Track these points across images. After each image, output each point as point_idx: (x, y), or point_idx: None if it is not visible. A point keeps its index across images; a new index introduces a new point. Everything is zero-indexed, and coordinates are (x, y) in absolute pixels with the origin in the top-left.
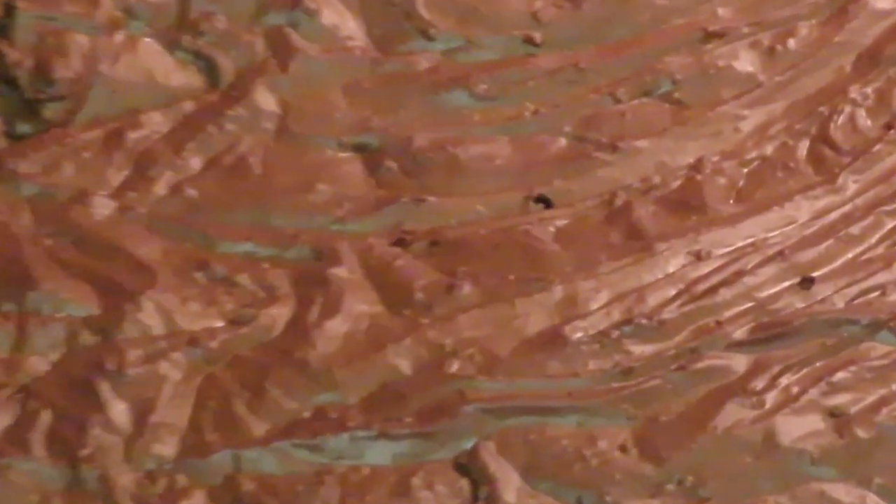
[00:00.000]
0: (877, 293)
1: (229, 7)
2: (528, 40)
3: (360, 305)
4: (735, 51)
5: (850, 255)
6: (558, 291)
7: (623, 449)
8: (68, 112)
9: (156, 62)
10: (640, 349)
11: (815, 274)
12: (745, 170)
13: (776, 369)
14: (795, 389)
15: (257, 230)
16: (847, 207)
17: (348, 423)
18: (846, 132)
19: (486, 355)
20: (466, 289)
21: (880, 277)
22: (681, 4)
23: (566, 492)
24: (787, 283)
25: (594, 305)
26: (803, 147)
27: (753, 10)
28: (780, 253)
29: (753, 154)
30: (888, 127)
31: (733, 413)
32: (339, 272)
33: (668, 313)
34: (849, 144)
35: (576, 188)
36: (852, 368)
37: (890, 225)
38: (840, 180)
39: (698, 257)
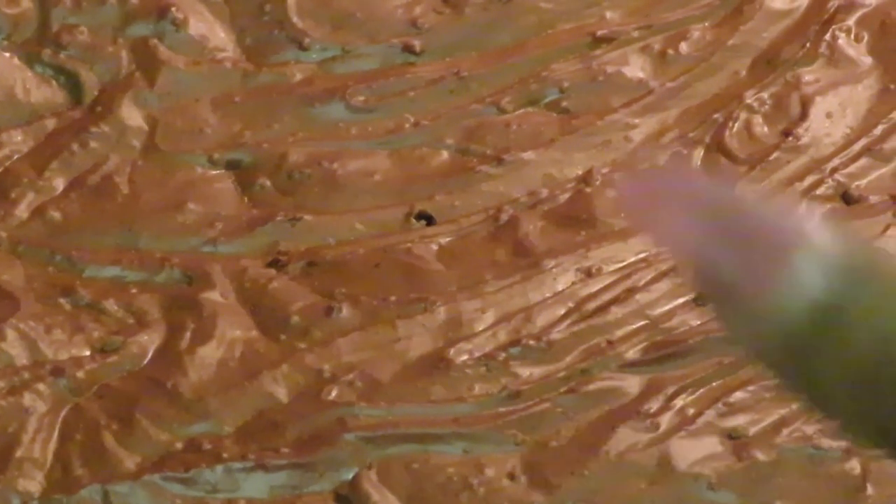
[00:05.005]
0: None
1: (92, 18)
2: (408, 48)
3: (234, 331)
4: (625, 56)
5: None
6: (442, 312)
7: (511, 476)
8: None
9: (15, 78)
10: (529, 371)
11: None
12: None
13: (671, 390)
14: (691, 411)
15: (125, 253)
16: None
17: (223, 455)
18: (742, 140)
19: (367, 381)
20: (345, 311)
21: None
22: (567, 8)
23: None
24: (681, 300)
25: (479, 326)
26: (697, 156)
27: (643, 13)
28: (674, 268)
29: (645, 164)
30: (786, 133)
31: (626, 437)
32: (212, 296)
33: (557, 333)
34: (745, 152)
35: (459, 203)
36: (750, 388)
37: None
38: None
39: (588, 274)
